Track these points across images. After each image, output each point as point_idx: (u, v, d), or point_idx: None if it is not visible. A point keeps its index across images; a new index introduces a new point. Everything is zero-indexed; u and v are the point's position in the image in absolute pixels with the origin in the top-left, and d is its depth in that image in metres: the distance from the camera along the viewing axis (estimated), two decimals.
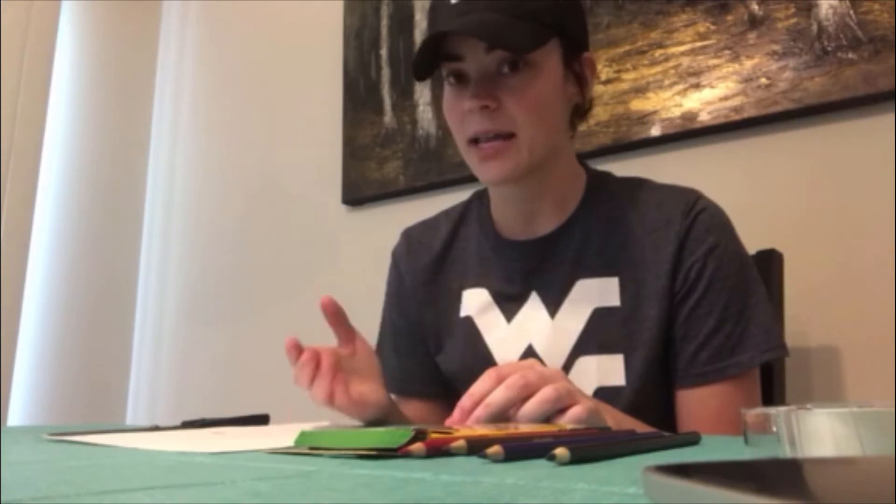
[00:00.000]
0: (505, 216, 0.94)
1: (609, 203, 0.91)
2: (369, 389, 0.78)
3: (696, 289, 0.83)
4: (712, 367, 0.81)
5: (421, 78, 0.86)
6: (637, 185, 0.92)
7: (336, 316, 0.79)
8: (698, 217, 0.85)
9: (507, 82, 0.82)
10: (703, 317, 0.82)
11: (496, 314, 0.91)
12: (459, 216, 1.01)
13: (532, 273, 0.90)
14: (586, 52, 0.90)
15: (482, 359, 0.89)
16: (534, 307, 0.89)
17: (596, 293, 0.86)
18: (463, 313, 0.94)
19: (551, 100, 0.85)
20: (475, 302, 0.93)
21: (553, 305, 0.87)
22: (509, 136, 0.82)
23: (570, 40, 0.87)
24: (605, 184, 0.93)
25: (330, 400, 0.72)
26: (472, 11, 0.81)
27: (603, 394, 0.81)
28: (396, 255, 1.05)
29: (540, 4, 0.82)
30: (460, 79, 0.85)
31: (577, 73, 0.89)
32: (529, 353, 0.87)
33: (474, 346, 0.91)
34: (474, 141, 0.84)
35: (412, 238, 1.04)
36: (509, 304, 0.91)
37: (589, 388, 0.82)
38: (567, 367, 0.85)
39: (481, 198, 1.00)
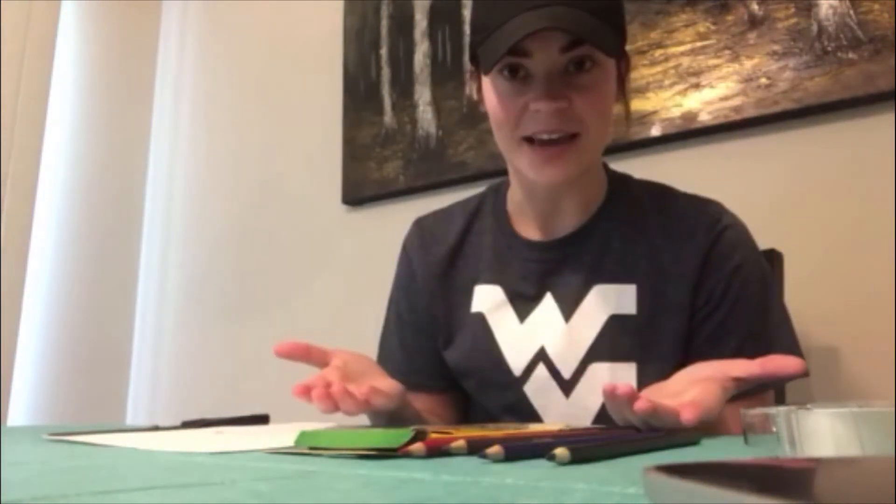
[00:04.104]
0: (524, 214, 0.92)
1: (630, 208, 0.89)
2: (381, 383, 0.77)
3: (720, 308, 0.82)
4: None
5: (487, 69, 0.81)
6: (659, 192, 0.91)
7: (303, 353, 0.77)
8: (724, 233, 0.84)
9: (575, 81, 0.79)
10: (726, 336, 0.82)
11: (509, 313, 0.90)
12: (474, 209, 0.98)
13: (549, 274, 0.89)
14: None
15: (491, 356, 0.88)
16: (548, 309, 0.88)
17: (612, 299, 0.84)
18: (474, 309, 0.92)
19: (612, 102, 0.84)
20: (488, 298, 0.92)
21: (568, 309, 0.86)
22: (573, 136, 0.80)
23: (623, 45, 0.86)
24: (626, 187, 0.92)
25: (365, 406, 0.70)
26: (546, 4, 0.76)
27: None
28: (408, 246, 1.01)
29: (611, 4, 0.81)
30: (515, 73, 0.81)
31: (620, 73, 0.87)
32: (541, 355, 0.86)
33: (484, 343, 0.90)
34: (530, 139, 0.81)
35: (425, 229, 1.01)
36: (523, 303, 0.89)
37: (599, 397, 0.81)
38: (579, 372, 0.84)
39: (497, 191, 0.98)
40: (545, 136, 0.79)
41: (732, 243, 0.84)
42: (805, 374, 0.82)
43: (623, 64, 0.88)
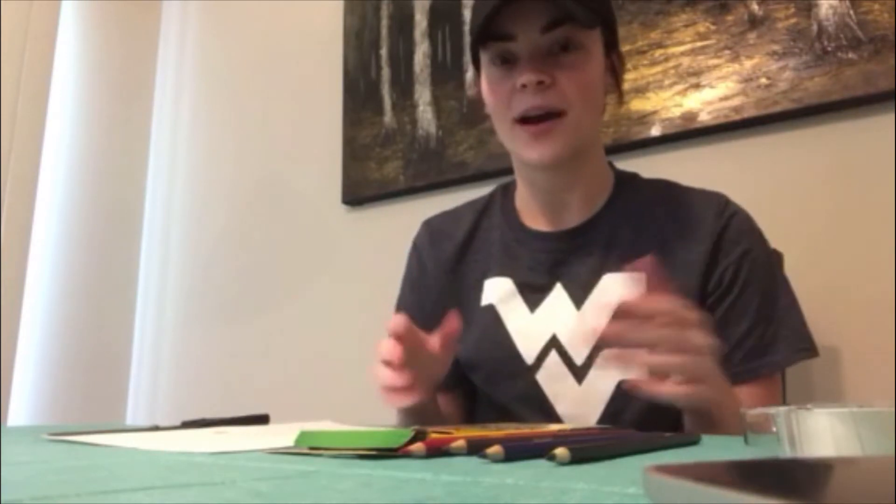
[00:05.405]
0: (531, 207, 0.95)
1: (638, 200, 0.92)
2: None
3: (731, 292, 0.84)
4: (745, 367, 0.82)
5: (476, 54, 0.88)
6: (665, 186, 0.94)
7: (407, 338, 0.74)
8: (732, 220, 0.87)
9: (560, 61, 0.83)
10: (737, 319, 0.83)
11: (519, 303, 0.91)
12: (483, 207, 1.01)
13: (558, 264, 0.90)
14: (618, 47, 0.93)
15: (502, 346, 0.90)
16: (559, 298, 0.89)
17: (623, 287, 0.85)
18: (485, 301, 0.94)
19: (598, 84, 0.87)
20: (498, 290, 0.93)
21: (579, 297, 0.88)
22: (559, 114, 0.83)
23: (609, 31, 0.89)
24: (633, 182, 0.95)
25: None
26: None
27: (626, 387, 0.81)
28: (419, 244, 1.04)
29: None
30: (505, 61, 0.85)
31: (614, 65, 0.91)
32: (554, 342, 0.87)
33: (495, 333, 0.91)
34: (521, 120, 0.84)
35: (434, 227, 1.03)
36: (533, 294, 0.90)
37: (612, 382, 0.83)
38: (591, 358, 0.86)
39: (505, 189, 1.00)
40: (533, 114, 0.83)
41: (741, 229, 0.87)
42: (816, 354, 0.85)
43: (615, 56, 0.91)
